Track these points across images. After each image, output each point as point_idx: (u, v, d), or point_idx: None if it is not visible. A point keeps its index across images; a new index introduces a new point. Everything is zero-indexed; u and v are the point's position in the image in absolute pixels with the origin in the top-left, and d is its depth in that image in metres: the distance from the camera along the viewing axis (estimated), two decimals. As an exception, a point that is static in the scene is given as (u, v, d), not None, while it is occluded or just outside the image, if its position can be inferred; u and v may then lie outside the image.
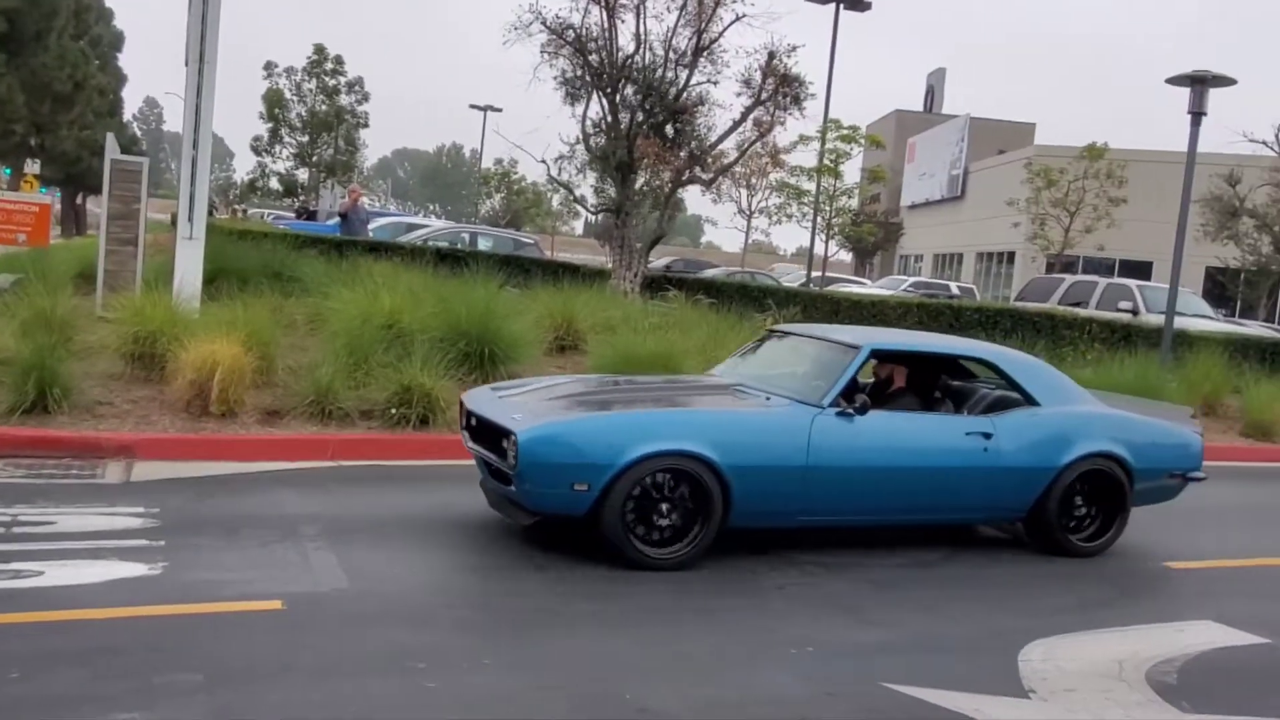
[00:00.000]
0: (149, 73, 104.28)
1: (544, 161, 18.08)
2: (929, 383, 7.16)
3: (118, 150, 11.52)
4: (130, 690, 3.76)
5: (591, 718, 3.92)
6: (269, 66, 45.67)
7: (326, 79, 45.97)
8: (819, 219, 32.83)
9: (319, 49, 46.18)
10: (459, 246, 18.29)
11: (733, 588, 5.60)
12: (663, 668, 4.45)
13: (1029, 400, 6.69)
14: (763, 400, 6.23)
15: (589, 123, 17.47)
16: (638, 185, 17.73)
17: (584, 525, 5.72)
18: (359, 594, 4.98)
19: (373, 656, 4.26)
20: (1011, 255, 42.84)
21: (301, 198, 42.70)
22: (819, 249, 33.14)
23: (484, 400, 6.34)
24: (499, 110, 50.38)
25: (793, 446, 5.87)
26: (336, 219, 19.33)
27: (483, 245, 19.56)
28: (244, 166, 53.85)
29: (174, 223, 20.03)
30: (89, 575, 4.86)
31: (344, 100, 46.51)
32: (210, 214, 12.34)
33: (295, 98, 45.62)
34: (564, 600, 5.19)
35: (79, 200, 52.03)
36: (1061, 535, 6.64)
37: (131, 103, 78.20)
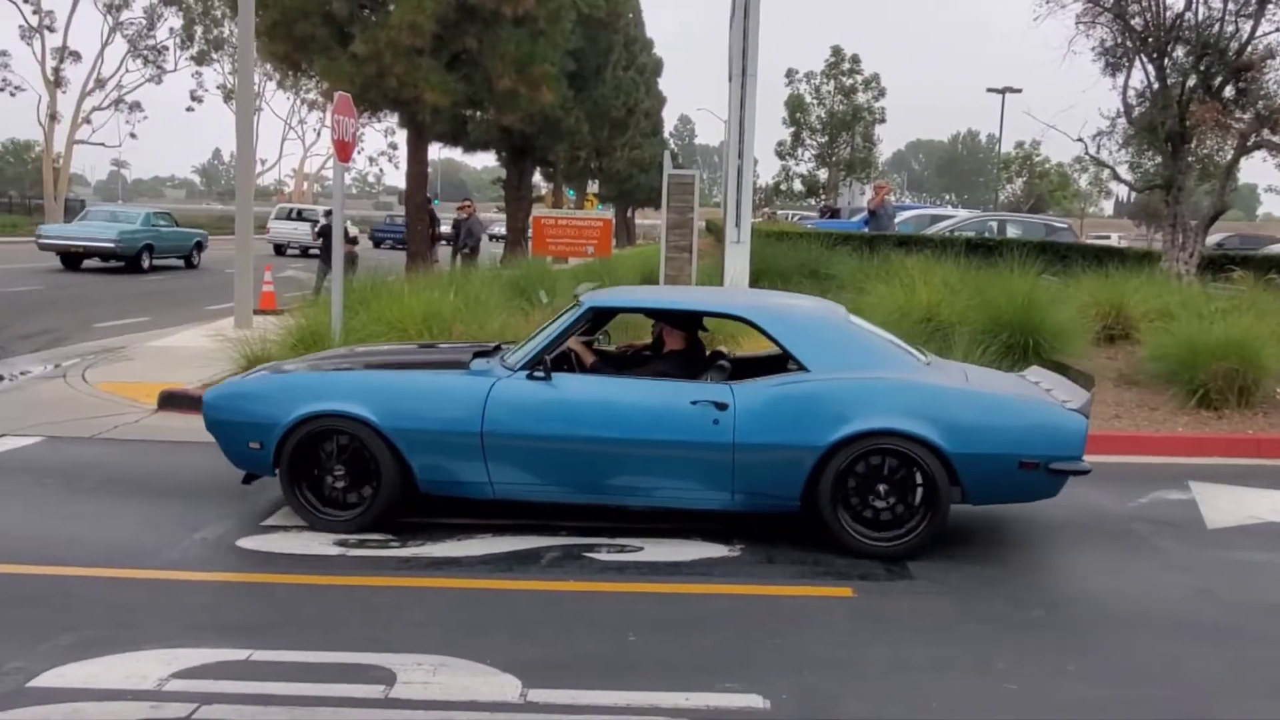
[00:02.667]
0: (680, 92, 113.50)
1: (1080, 139, 16.98)
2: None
3: (673, 166, 12.64)
4: (727, 662, 4.09)
5: (1196, 742, 3.60)
6: (790, 73, 47.66)
7: (844, 79, 46.93)
8: None
9: (836, 50, 47.32)
10: (987, 236, 17.73)
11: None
12: (1268, 689, 3.97)
13: (798, 365, 5.49)
14: (479, 366, 5.74)
15: (1132, 93, 16.10)
16: (1189, 157, 16.01)
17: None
18: (925, 586, 5.01)
19: (948, 652, 4.26)
20: None
21: (823, 197, 44.01)
22: None
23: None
24: (1018, 91, 48.03)
25: (466, 412, 5.43)
26: (865, 214, 19.59)
27: (1012, 233, 18.78)
28: (767, 171, 56.71)
29: (709, 229, 21.60)
30: (680, 553, 5.38)
31: (861, 98, 47.19)
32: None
33: (815, 100, 47.12)
34: (1138, 606, 4.83)
35: (629, 214, 58.01)
36: (839, 529, 5.34)
37: (668, 121, 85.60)
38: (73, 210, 47.33)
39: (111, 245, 24.26)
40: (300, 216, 35.96)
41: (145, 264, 24.91)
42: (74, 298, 18.36)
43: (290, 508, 5.68)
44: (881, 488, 5.35)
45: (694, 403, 5.35)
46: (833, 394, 5.34)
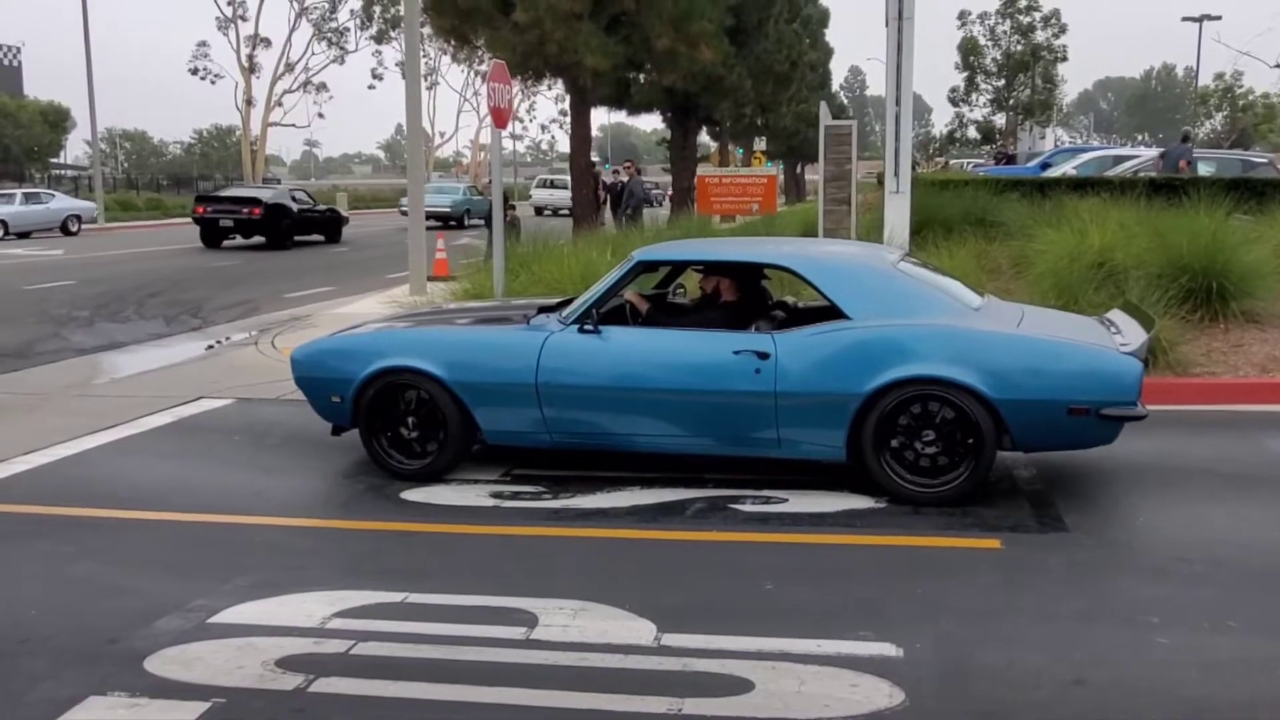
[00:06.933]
0: (851, 42, 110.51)
1: (1278, 66, 15.70)
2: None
3: (830, 117, 12.41)
4: (859, 610, 4.08)
5: (1368, 701, 3.37)
6: (962, 15, 45.75)
7: (1021, 17, 44.72)
8: None
9: (1012, -12, 45.05)
10: (1175, 175, 16.65)
11: None
12: None
13: (839, 313, 5.45)
14: (538, 321, 5.95)
15: (1340, 11, 14.77)
16: None
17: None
18: (1080, 539, 4.84)
19: (1097, 604, 4.11)
20: None
21: (998, 143, 42.22)
22: None
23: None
24: (1217, 19, 44.71)
25: (522, 365, 5.68)
26: (1041, 160, 18.72)
27: (1204, 171, 17.57)
28: (942, 120, 54.69)
29: (879, 182, 21.12)
30: (824, 505, 5.37)
31: (1039, 37, 44.87)
32: (913, 169, 12.75)
33: (990, 42, 45.12)
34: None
35: (798, 169, 57.17)
36: (883, 475, 5.32)
37: (837, 73, 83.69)
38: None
39: (449, 209, 34.38)
40: (553, 185, 45.83)
41: (465, 222, 34.17)
42: (267, 271, 19.57)
43: (369, 456, 6.01)
44: (925, 434, 5.29)
45: (737, 352, 5.43)
46: (873, 341, 5.32)
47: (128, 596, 4.34)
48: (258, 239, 25.27)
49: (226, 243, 25.38)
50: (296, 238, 26.08)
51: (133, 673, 3.63)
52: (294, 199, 26.78)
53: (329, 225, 27.89)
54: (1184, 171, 15.99)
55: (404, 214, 32.08)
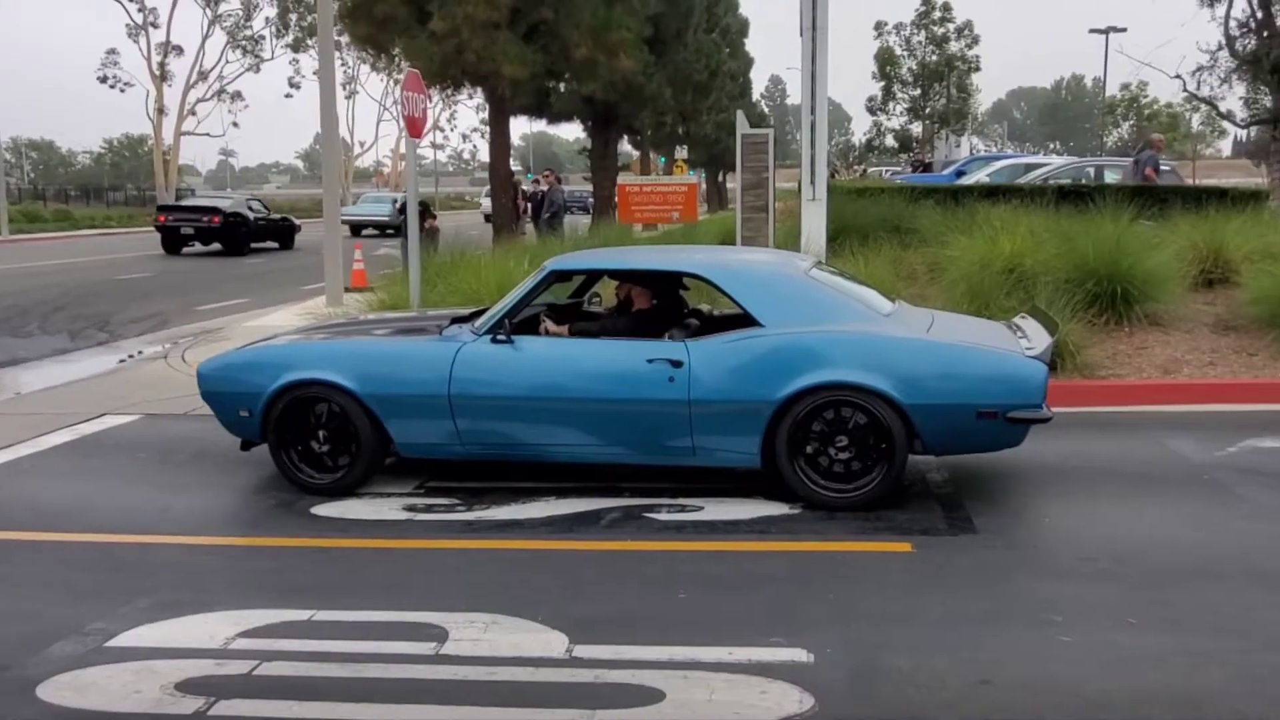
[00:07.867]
0: (772, 52, 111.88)
1: (1179, 77, 16.29)
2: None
3: (747, 125, 12.52)
4: (771, 616, 4.10)
5: (1258, 691, 3.48)
6: (879, 26, 46.58)
7: (935, 28, 45.68)
8: None
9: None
10: (1083, 182, 17.11)
11: None
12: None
13: (752, 321, 5.48)
14: (450, 332, 5.88)
15: (1233, 24, 15.36)
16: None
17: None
18: (988, 540, 4.92)
19: (1004, 605, 4.19)
20: None
21: (915, 151, 43.03)
22: None
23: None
24: (1122, 30, 46.08)
25: (434, 376, 5.61)
26: (956, 168, 19.08)
27: (1109, 178, 18.07)
28: (861, 128, 55.64)
29: (800, 189, 21.41)
30: (740, 512, 5.38)
31: (953, 47, 45.89)
32: (832, 177, 12.92)
33: (905, 53, 46.01)
34: (1214, 556, 4.69)
35: (720, 178, 57.58)
36: (797, 481, 5.34)
37: (758, 83, 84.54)
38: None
39: (387, 219, 34.82)
40: None
41: (404, 230, 32.12)
42: (180, 283, 19.11)
43: (279, 471, 5.89)
44: (838, 440, 5.32)
45: (650, 361, 5.40)
46: (785, 348, 5.33)
47: (20, 621, 4.18)
48: (216, 246, 26.35)
49: (186, 249, 26.41)
50: (253, 245, 27.35)
51: (24, 701, 3.49)
52: (250, 208, 28.24)
53: (283, 233, 29.22)
54: (1151, 179, 16.17)
55: (342, 221, 32.62)
